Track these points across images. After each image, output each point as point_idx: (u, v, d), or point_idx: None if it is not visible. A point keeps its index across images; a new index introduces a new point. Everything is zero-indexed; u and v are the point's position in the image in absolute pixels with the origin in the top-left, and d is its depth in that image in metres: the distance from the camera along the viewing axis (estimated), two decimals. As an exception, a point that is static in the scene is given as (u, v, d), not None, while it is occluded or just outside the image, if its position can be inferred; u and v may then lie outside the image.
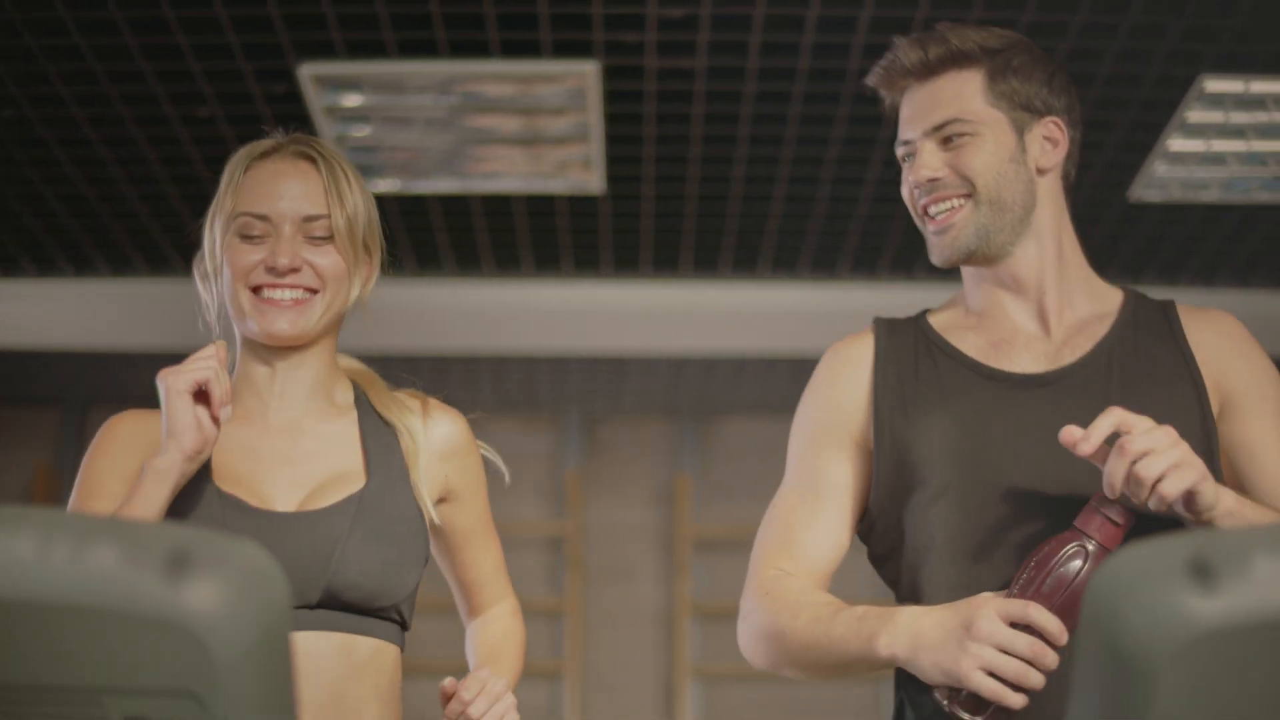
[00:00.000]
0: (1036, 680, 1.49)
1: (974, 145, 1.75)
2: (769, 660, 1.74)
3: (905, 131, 1.80)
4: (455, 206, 4.52)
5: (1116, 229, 4.62)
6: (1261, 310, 5.11)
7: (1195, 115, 3.88)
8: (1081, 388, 1.72)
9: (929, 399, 1.75)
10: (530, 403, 6.09)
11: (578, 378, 5.77)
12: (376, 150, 4.16)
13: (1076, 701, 0.97)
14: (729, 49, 3.59)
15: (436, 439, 1.88)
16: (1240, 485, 1.69)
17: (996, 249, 1.76)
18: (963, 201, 1.74)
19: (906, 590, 1.75)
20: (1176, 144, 4.05)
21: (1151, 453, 1.48)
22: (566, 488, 6.14)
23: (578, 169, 4.23)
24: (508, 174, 4.28)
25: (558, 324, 5.18)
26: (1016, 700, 1.49)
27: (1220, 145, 4.07)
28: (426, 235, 4.74)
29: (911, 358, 1.79)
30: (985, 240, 1.74)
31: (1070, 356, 1.75)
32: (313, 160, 1.82)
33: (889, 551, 1.79)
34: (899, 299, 3.62)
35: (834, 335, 1.90)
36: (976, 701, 1.51)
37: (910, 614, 1.58)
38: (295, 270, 1.77)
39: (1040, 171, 1.78)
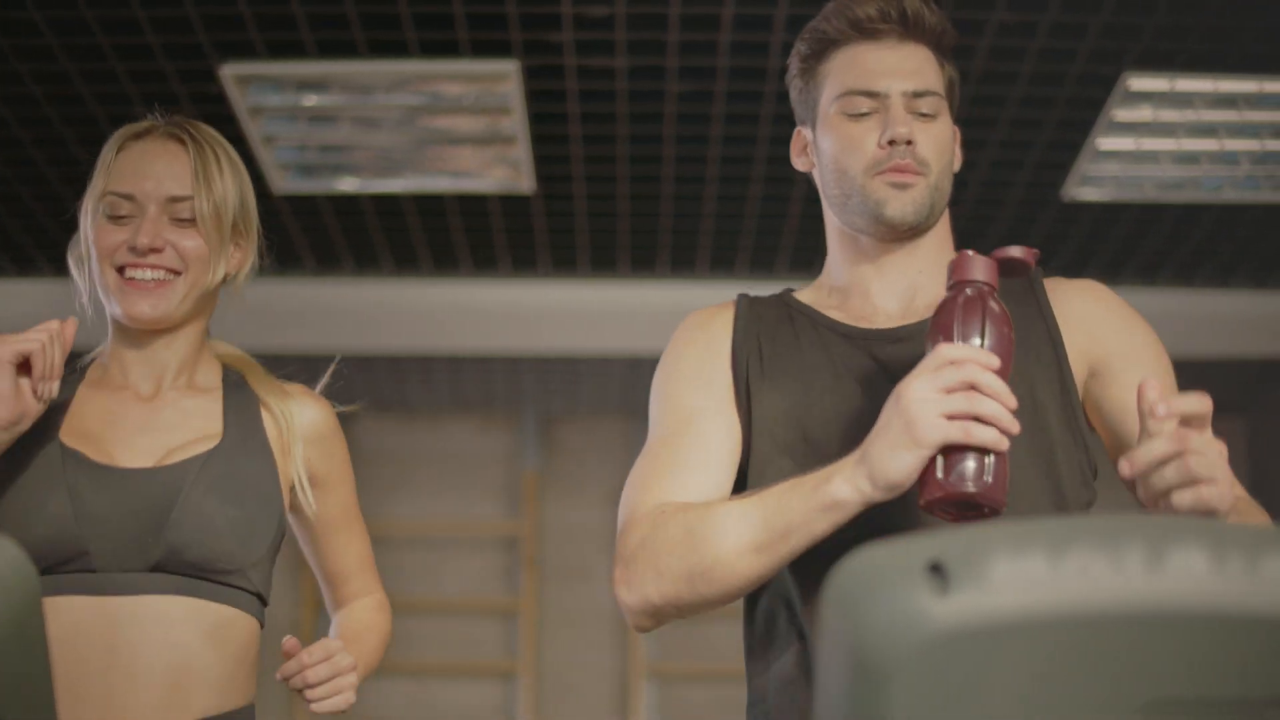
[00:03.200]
0: (992, 409, 1.38)
1: (939, 126, 1.67)
2: (673, 580, 1.58)
3: (873, 82, 1.66)
4: (388, 206, 4.51)
5: (1053, 229, 4.61)
6: (1205, 309, 5.10)
7: (1122, 114, 3.88)
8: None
9: (785, 358, 1.69)
10: (486, 403, 6.08)
11: (533, 378, 5.76)
12: (305, 150, 4.16)
13: (820, 701, 0.97)
14: (648, 48, 3.59)
15: (303, 423, 1.88)
16: (1121, 447, 1.62)
17: (921, 233, 1.69)
18: (916, 178, 1.65)
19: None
20: (1106, 143, 4.04)
21: (1207, 455, 1.37)
22: (523, 488, 6.13)
23: (507, 169, 4.22)
24: (439, 174, 4.27)
25: (512, 324, 5.17)
26: (989, 436, 1.38)
27: (1151, 144, 4.07)
28: (362, 235, 4.73)
29: (772, 325, 1.72)
30: (925, 220, 1.67)
31: (926, 312, 1.63)
32: (182, 142, 1.82)
33: None
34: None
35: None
36: (960, 498, 1.40)
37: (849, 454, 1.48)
38: (157, 250, 1.77)
39: (953, 173, 1.72)
